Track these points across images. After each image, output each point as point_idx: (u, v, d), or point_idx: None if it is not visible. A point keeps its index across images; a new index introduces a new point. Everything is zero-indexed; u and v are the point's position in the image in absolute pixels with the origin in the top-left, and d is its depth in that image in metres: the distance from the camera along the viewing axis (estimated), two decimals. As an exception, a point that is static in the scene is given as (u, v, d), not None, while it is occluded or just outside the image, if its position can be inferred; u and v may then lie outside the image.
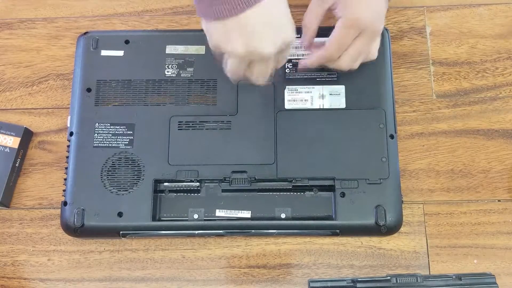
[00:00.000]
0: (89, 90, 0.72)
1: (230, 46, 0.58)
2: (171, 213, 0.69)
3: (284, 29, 0.60)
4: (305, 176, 0.68)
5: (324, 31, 0.74)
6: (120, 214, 0.67)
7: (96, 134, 0.70)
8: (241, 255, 0.71)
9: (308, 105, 0.71)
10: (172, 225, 0.68)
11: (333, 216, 0.68)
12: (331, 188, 0.68)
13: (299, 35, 0.74)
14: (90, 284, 0.71)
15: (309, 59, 0.68)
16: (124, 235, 0.68)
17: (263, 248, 0.71)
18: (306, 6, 0.81)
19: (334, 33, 0.64)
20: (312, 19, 0.67)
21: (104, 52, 0.73)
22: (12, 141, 0.74)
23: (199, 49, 0.74)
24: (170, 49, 0.73)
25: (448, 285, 0.62)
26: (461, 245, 0.71)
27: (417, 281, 0.62)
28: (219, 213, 0.68)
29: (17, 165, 0.74)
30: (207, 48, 0.73)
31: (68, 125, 0.71)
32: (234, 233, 0.69)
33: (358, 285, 0.62)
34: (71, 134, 0.70)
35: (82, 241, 0.72)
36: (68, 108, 0.74)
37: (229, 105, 0.71)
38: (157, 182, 0.69)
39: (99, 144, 0.70)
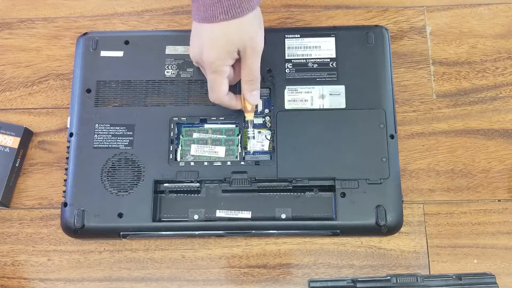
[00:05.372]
0: (88, 91, 0.72)
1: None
2: (171, 213, 0.69)
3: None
4: (306, 176, 0.68)
5: (324, 30, 0.75)
6: (120, 215, 0.67)
7: (96, 135, 0.70)
8: (241, 255, 0.71)
9: (308, 105, 0.71)
10: (173, 225, 0.68)
11: (334, 216, 0.68)
12: (331, 188, 0.68)
13: (298, 35, 0.74)
14: (90, 284, 0.71)
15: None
16: (124, 236, 0.68)
17: (263, 248, 0.71)
18: (306, 6, 0.81)
19: None
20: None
21: (103, 53, 0.73)
22: (12, 141, 0.74)
23: (199, 50, 0.73)
24: (170, 50, 0.73)
25: (448, 285, 0.62)
26: (461, 245, 0.71)
27: (417, 281, 0.62)
28: (220, 213, 0.68)
29: (17, 165, 0.74)
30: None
31: (68, 126, 0.71)
32: (235, 233, 0.69)
33: (358, 285, 0.62)
34: (71, 135, 0.70)
35: (82, 241, 0.72)
36: (68, 108, 0.74)
37: (229, 105, 0.71)
38: (157, 182, 0.69)
39: (99, 145, 0.70)
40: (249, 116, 0.70)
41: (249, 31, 0.64)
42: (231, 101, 0.69)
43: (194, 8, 0.64)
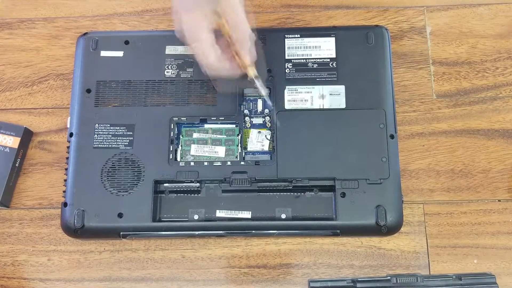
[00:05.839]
0: (89, 91, 0.72)
1: None
2: (171, 213, 0.69)
3: None
4: (306, 176, 0.68)
5: (324, 30, 0.75)
6: (120, 215, 0.67)
7: (96, 135, 0.70)
8: (241, 255, 0.71)
9: (308, 105, 0.71)
10: (173, 225, 0.68)
11: (334, 216, 0.68)
12: (331, 188, 0.68)
13: (298, 35, 0.74)
14: (90, 284, 0.71)
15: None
16: (124, 236, 0.68)
17: (263, 248, 0.71)
18: (306, 6, 0.81)
19: None
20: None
21: (103, 53, 0.73)
22: (12, 141, 0.74)
23: (199, 50, 0.73)
24: (169, 50, 0.73)
25: (448, 285, 0.62)
26: (461, 245, 0.71)
27: (417, 281, 0.62)
28: (220, 213, 0.68)
29: (17, 165, 0.74)
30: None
31: (68, 126, 0.71)
32: (235, 233, 0.69)
33: (358, 285, 0.62)
34: (71, 135, 0.70)
35: (82, 241, 0.72)
36: (68, 108, 0.74)
37: (229, 105, 0.71)
38: (157, 182, 0.69)
39: (99, 145, 0.70)
40: (251, 71, 0.65)
41: None
42: (225, 63, 0.64)
43: None
